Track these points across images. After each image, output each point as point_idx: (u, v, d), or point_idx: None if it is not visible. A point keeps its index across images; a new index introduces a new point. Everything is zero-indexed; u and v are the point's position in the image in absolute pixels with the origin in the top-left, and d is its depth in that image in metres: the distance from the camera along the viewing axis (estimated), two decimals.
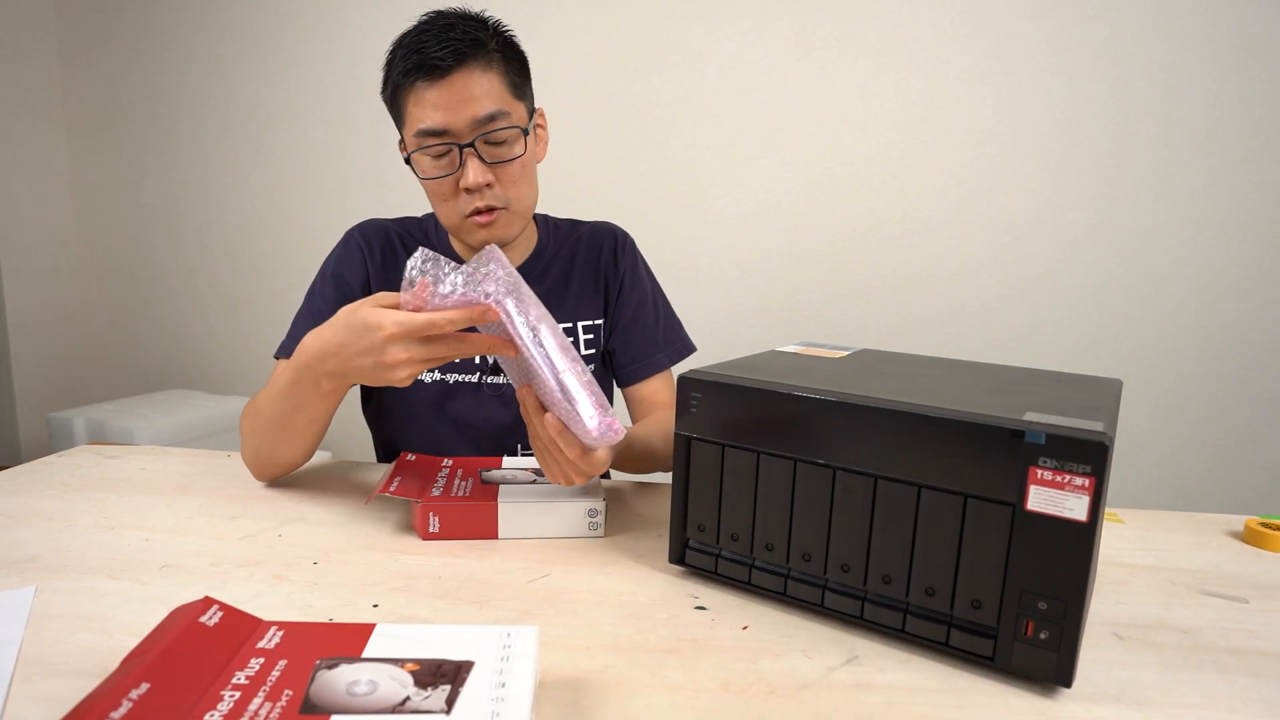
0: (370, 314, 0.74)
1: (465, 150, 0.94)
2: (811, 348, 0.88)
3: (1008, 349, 2.21)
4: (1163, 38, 2.03)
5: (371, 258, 1.08)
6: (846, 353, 0.85)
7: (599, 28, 2.28)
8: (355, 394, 1.20)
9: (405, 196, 2.40)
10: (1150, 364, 2.16)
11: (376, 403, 1.13)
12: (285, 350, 1.01)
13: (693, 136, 2.29)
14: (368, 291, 1.07)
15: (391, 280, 1.08)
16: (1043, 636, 0.55)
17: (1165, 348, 2.15)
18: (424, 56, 0.91)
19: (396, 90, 0.95)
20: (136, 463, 1.05)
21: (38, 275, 2.58)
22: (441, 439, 1.09)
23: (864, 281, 2.27)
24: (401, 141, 1.02)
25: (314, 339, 0.81)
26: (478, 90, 0.93)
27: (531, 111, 1.02)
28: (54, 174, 2.63)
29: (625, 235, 1.21)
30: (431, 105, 0.92)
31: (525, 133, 0.99)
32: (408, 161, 1.01)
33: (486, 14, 0.98)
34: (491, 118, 0.94)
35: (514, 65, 0.99)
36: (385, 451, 1.18)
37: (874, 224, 2.24)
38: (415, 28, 0.95)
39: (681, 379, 0.71)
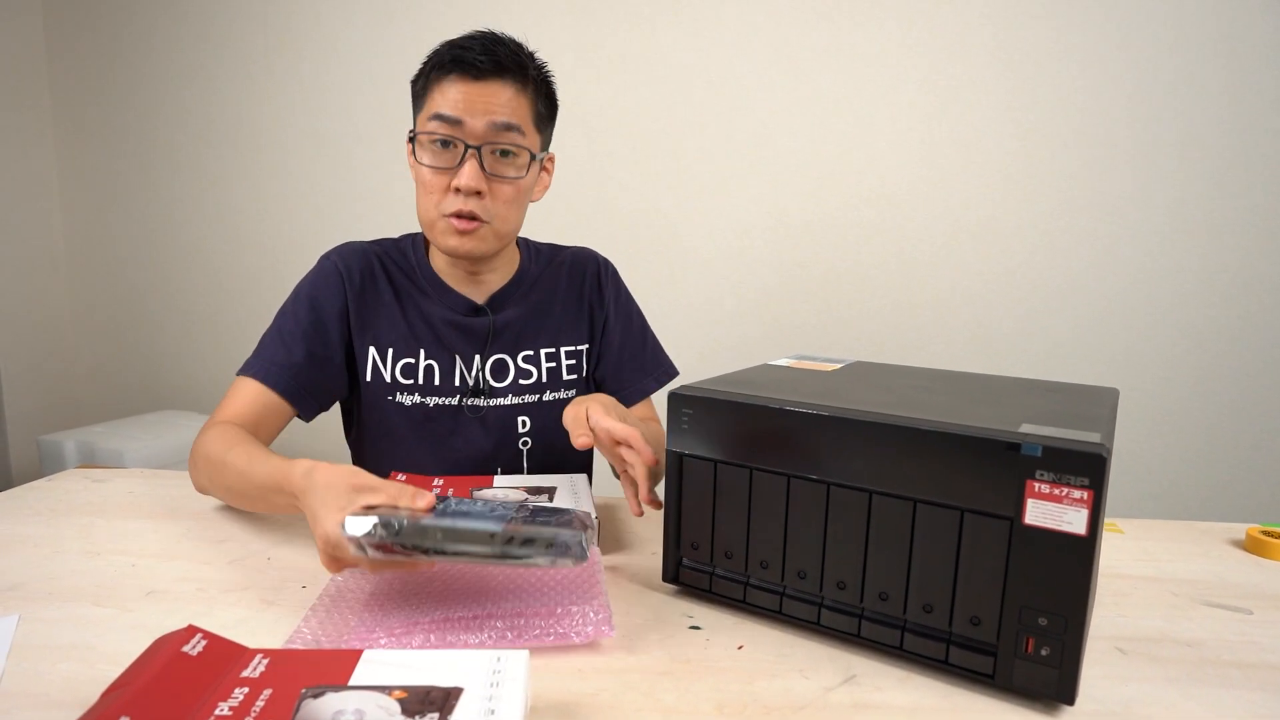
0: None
1: (470, 150, 0.95)
2: (804, 361, 0.87)
3: (1002, 360, 2.21)
4: (1149, 44, 2.04)
5: (351, 283, 1.07)
6: (839, 365, 0.85)
7: (586, 42, 2.28)
8: (337, 423, 1.19)
9: (395, 214, 2.40)
10: (1146, 373, 2.15)
11: (358, 424, 1.12)
12: (250, 368, 1.00)
13: (682, 149, 2.28)
14: (345, 320, 1.06)
15: (370, 304, 1.07)
16: (1044, 653, 0.54)
17: (1160, 356, 2.15)
18: (466, 54, 0.94)
19: (429, 78, 0.97)
20: (125, 486, 1.04)
21: (27, 297, 2.57)
22: (421, 461, 1.07)
23: (856, 293, 2.27)
24: (412, 134, 1.02)
25: (312, 478, 0.70)
26: (504, 99, 0.96)
27: (546, 145, 1.05)
28: (43, 194, 2.62)
29: (607, 263, 1.22)
30: (454, 98, 0.94)
31: (534, 158, 1.00)
32: (413, 153, 1.02)
33: (536, 51, 1.02)
34: (507, 127, 0.96)
35: (543, 101, 1.02)
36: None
37: (865, 235, 2.24)
38: (463, 37, 0.97)
39: (673, 395, 0.70)
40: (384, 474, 1.05)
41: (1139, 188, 2.10)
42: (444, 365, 1.07)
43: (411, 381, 1.06)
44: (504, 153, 0.97)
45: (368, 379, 1.06)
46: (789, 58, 2.21)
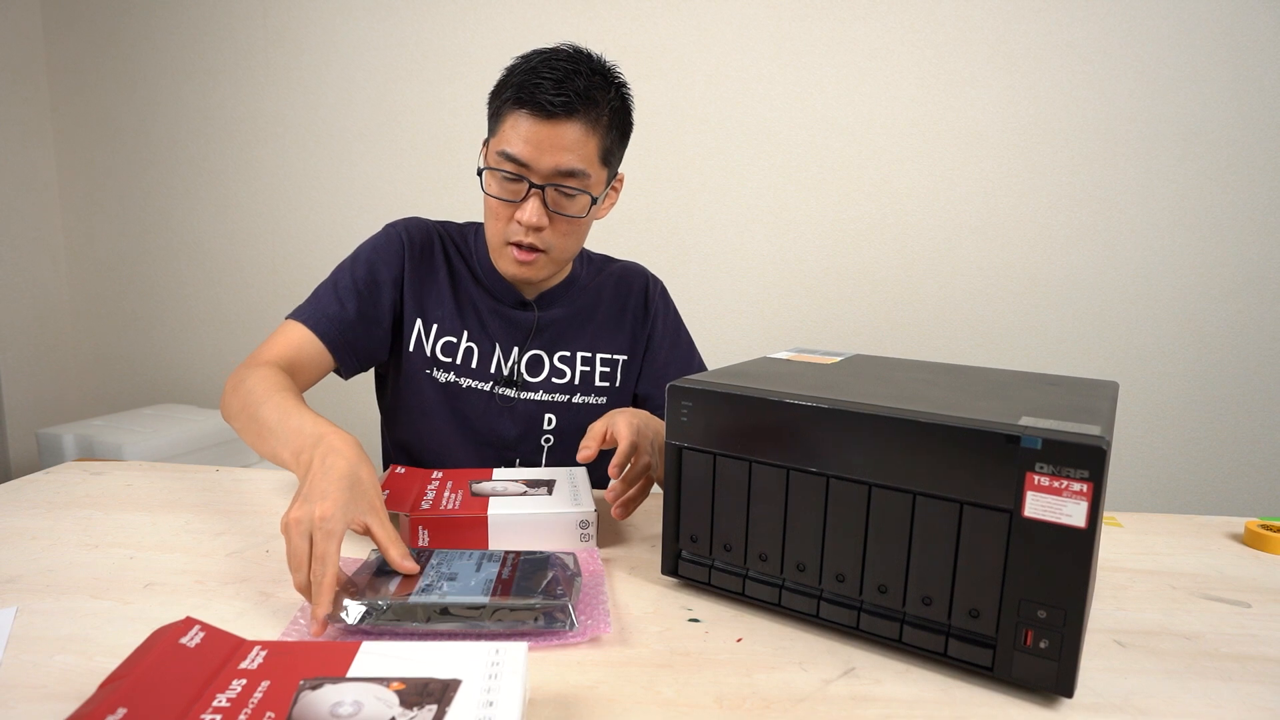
0: (356, 501, 0.69)
1: (534, 189, 0.97)
2: (803, 354, 0.87)
3: (1001, 352, 2.21)
4: (1151, 39, 2.04)
5: (411, 253, 1.09)
6: (839, 358, 0.84)
7: (585, 35, 2.26)
8: (368, 391, 1.20)
9: (394, 209, 2.40)
10: (1144, 365, 2.15)
11: (392, 390, 1.14)
12: (301, 313, 1.03)
13: (681, 143, 2.28)
14: (399, 288, 1.08)
15: (425, 277, 1.10)
16: (1043, 645, 0.54)
17: (1159, 349, 2.15)
18: (539, 92, 0.93)
19: (502, 107, 0.97)
20: (123, 479, 1.04)
21: (27, 290, 2.56)
22: (448, 438, 1.10)
23: (855, 287, 2.27)
24: (486, 144, 1.03)
25: (328, 445, 0.73)
26: (571, 144, 0.95)
27: (613, 176, 1.06)
28: (43, 189, 2.61)
29: (656, 280, 1.24)
30: (524, 138, 0.95)
31: (594, 200, 1.01)
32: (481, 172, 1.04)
33: (616, 72, 1.01)
34: (571, 173, 0.97)
35: (616, 132, 1.01)
36: (394, 446, 1.17)
37: (865, 228, 2.24)
38: (544, 58, 0.96)
39: (671, 387, 0.70)
40: (410, 441, 1.10)
41: (1140, 183, 2.10)
42: (483, 351, 1.10)
43: (450, 360, 1.09)
44: (566, 193, 0.98)
45: (410, 349, 1.09)
46: (789, 52, 2.20)
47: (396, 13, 2.36)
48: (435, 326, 1.09)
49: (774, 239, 2.29)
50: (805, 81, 2.21)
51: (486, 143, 1.03)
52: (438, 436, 1.10)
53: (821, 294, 2.29)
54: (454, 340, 1.09)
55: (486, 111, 1.03)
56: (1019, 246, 2.17)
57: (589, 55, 0.98)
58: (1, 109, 2.47)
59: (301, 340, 1.00)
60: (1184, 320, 2.13)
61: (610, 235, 2.26)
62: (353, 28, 2.40)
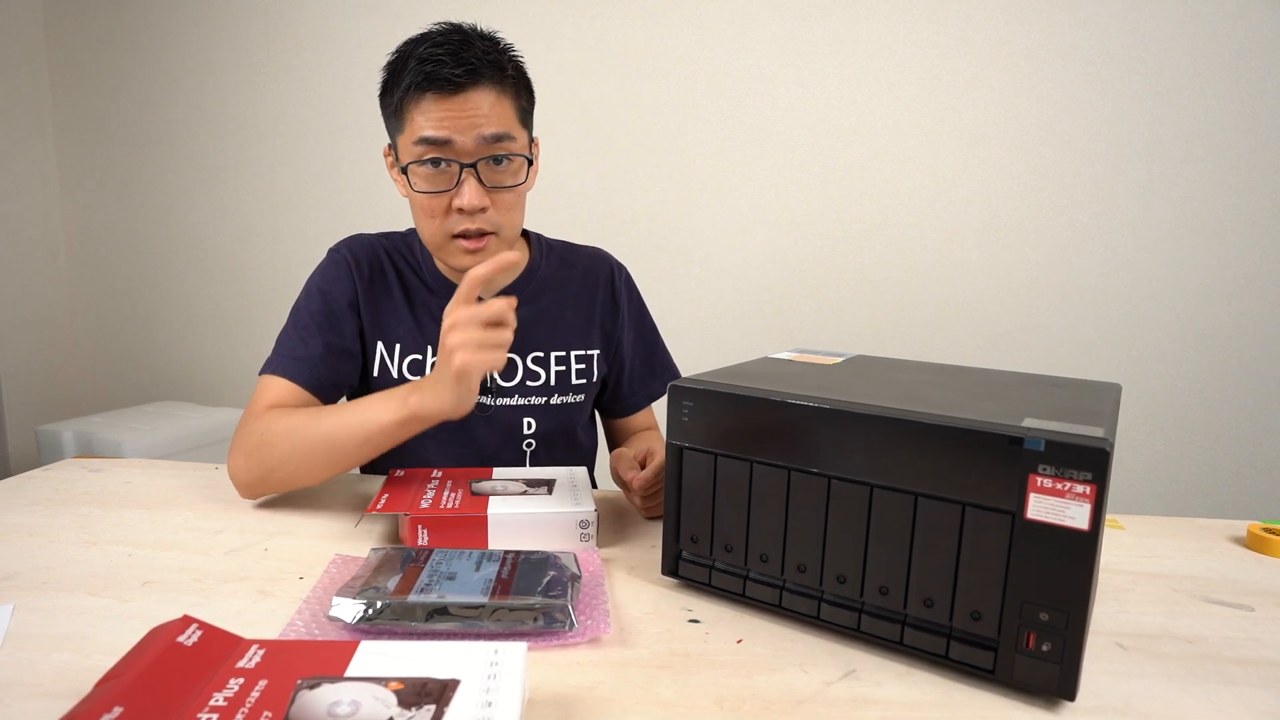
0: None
1: (466, 169, 0.93)
2: (805, 354, 0.87)
3: (1003, 354, 2.20)
4: (1154, 41, 2.03)
5: (360, 274, 1.05)
6: (840, 359, 0.84)
7: (588, 35, 2.27)
8: None
9: (398, 207, 2.39)
10: (1145, 367, 2.15)
11: None
12: (272, 365, 0.99)
13: (683, 143, 2.28)
14: (356, 310, 1.04)
15: (379, 298, 1.06)
16: (1044, 648, 0.54)
17: (1159, 351, 2.14)
18: (438, 69, 0.90)
19: (403, 99, 0.93)
20: (122, 476, 1.04)
21: (27, 287, 2.56)
22: (425, 457, 1.06)
23: (857, 287, 2.26)
24: (391, 150, 1.00)
25: (423, 399, 0.83)
26: (488, 109, 0.92)
27: (531, 140, 1.02)
28: (43, 186, 2.61)
29: (621, 267, 1.21)
30: (438, 118, 0.91)
31: (530, 161, 0.99)
32: (394, 167, 1.00)
33: (499, 36, 0.98)
34: (498, 138, 0.93)
35: (524, 93, 0.99)
36: (371, 468, 1.15)
37: (866, 229, 2.24)
38: (429, 38, 0.93)
39: (673, 387, 0.70)
40: (388, 463, 1.05)
41: (1143, 185, 2.09)
42: None
43: (419, 378, 1.04)
44: (498, 160, 0.95)
45: (375, 374, 1.05)
46: (792, 51, 2.20)
47: (397, 10, 2.35)
48: (398, 346, 1.05)
49: (775, 239, 2.28)
50: (808, 82, 2.21)
51: (392, 147, 1.00)
52: (417, 456, 1.05)
53: (823, 295, 2.28)
54: (419, 357, 1.05)
55: (383, 115, 1.00)
56: (1021, 248, 2.17)
57: (470, 27, 0.96)
58: (2, 105, 2.46)
59: (282, 391, 0.97)
60: (1186, 322, 2.12)
61: (611, 235, 2.26)
62: (353, 24, 2.39)
